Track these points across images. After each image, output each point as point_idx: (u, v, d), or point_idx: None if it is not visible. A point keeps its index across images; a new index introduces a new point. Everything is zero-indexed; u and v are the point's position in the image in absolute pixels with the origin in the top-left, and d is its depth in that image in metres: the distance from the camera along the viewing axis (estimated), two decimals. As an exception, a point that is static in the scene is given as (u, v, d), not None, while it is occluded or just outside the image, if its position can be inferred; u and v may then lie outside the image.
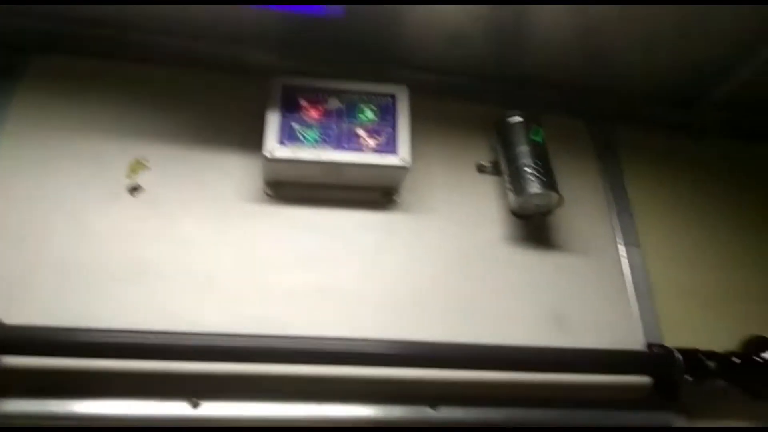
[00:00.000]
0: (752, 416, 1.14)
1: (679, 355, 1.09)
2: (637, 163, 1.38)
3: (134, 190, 1.10)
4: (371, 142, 1.13)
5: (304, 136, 1.11)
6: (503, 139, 1.25)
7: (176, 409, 0.95)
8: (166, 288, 1.03)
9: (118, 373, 0.94)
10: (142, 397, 0.94)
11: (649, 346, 1.14)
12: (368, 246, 1.15)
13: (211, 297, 1.04)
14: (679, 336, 1.16)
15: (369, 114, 1.16)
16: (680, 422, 1.10)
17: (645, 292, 1.21)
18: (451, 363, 1.02)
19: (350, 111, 1.15)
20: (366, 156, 1.11)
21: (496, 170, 1.27)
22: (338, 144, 1.11)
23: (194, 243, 1.08)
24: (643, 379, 1.11)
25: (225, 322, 1.00)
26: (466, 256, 1.18)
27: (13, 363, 0.91)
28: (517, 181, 1.19)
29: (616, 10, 1.21)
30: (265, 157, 1.08)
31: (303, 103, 1.14)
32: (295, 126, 1.11)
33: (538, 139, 1.22)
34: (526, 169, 1.18)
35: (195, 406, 0.95)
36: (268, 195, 1.15)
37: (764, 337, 1.15)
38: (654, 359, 1.12)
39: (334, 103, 1.15)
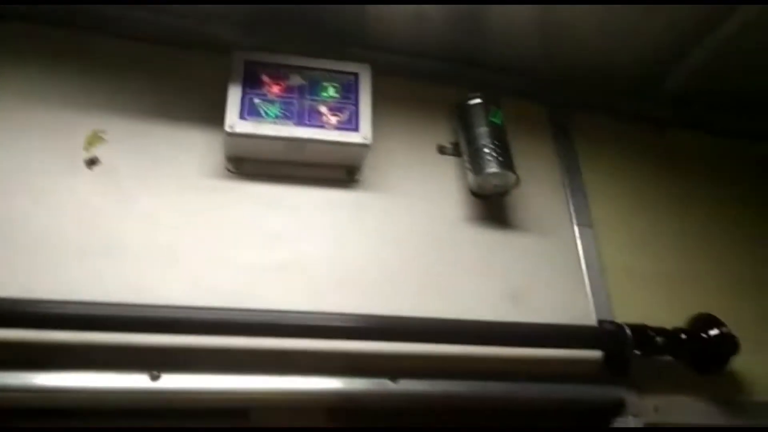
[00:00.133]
0: (698, 390, 1.19)
1: (628, 331, 1.13)
2: (592, 148, 1.42)
3: (92, 163, 1.08)
4: (333, 120, 1.13)
5: (265, 112, 1.11)
6: (463, 120, 1.27)
7: (136, 381, 0.94)
8: (125, 261, 1.01)
9: (76, 346, 0.92)
10: (101, 369, 0.93)
11: (600, 322, 1.19)
12: (330, 223, 1.15)
13: (172, 271, 1.03)
14: (629, 313, 1.20)
15: (331, 91, 1.16)
16: (629, 396, 1.14)
17: (597, 270, 1.25)
18: (410, 336, 1.04)
19: (312, 88, 1.16)
20: (327, 133, 1.12)
21: (456, 151, 1.30)
22: (300, 120, 1.12)
23: (153, 217, 1.07)
24: (594, 354, 1.14)
25: (186, 296, 0.99)
26: (426, 234, 1.19)
27: (-31, 335, 0.90)
28: (475, 161, 1.21)
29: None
30: (226, 132, 1.08)
31: (265, 78, 1.14)
32: (257, 101, 1.11)
33: (497, 121, 1.25)
34: (484, 149, 1.21)
35: (155, 378, 0.94)
36: (229, 171, 1.15)
37: (710, 315, 1.20)
38: (605, 334, 1.16)
39: (296, 80, 1.16)
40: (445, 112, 1.33)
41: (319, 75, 1.17)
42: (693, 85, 1.48)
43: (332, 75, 1.18)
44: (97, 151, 1.09)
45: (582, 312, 1.20)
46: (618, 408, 1.13)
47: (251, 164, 1.15)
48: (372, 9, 1.26)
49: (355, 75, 1.19)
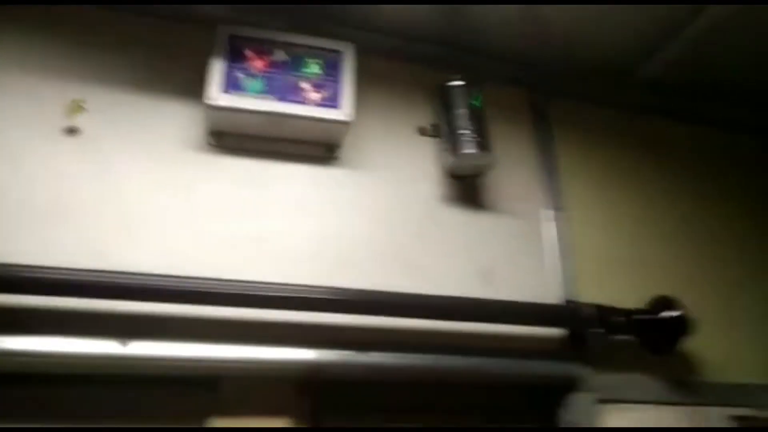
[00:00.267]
0: (653, 370, 1.24)
1: (592, 310, 1.19)
2: (569, 134, 1.46)
3: (71, 131, 1.09)
4: (315, 96, 1.15)
5: (248, 86, 1.12)
6: (444, 102, 1.29)
7: (105, 347, 0.96)
8: (99, 228, 1.04)
9: (47, 311, 0.95)
10: (71, 334, 0.95)
11: (566, 301, 1.23)
12: (306, 199, 1.18)
13: (145, 239, 1.05)
14: (594, 294, 1.25)
15: (314, 68, 1.18)
16: (586, 372, 1.19)
17: (567, 252, 1.30)
18: (380, 310, 1.08)
19: (296, 64, 1.17)
20: (309, 109, 1.14)
21: (436, 132, 1.32)
22: (282, 96, 1.13)
23: (130, 186, 1.09)
24: (558, 332, 1.20)
25: (158, 264, 1.01)
26: (403, 212, 1.23)
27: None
28: (453, 142, 1.24)
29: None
30: (208, 105, 1.09)
31: (249, 53, 1.15)
32: (240, 75, 1.12)
33: (476, 103, 1.27)
34: (462, 131, 1.23)
35: (124, 344, 0.96)
36: (210, 144, 1.16)
37: (668, 297, 1.25)
38: (569, 313, 1.21)
39: (280, 55, 1.17)
40: (427, 95, 1.35)
41: (303, 51, 1.18)
42: (668, 75, 1.51)
43: (316, 52, 1.19)
44: (78, 121, 1.09)
45: (550, 292, 1.25)
46: (574, 384, 1.18)
47: (232, 138, 1.17)
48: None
49: (339, 53, 1.20)
